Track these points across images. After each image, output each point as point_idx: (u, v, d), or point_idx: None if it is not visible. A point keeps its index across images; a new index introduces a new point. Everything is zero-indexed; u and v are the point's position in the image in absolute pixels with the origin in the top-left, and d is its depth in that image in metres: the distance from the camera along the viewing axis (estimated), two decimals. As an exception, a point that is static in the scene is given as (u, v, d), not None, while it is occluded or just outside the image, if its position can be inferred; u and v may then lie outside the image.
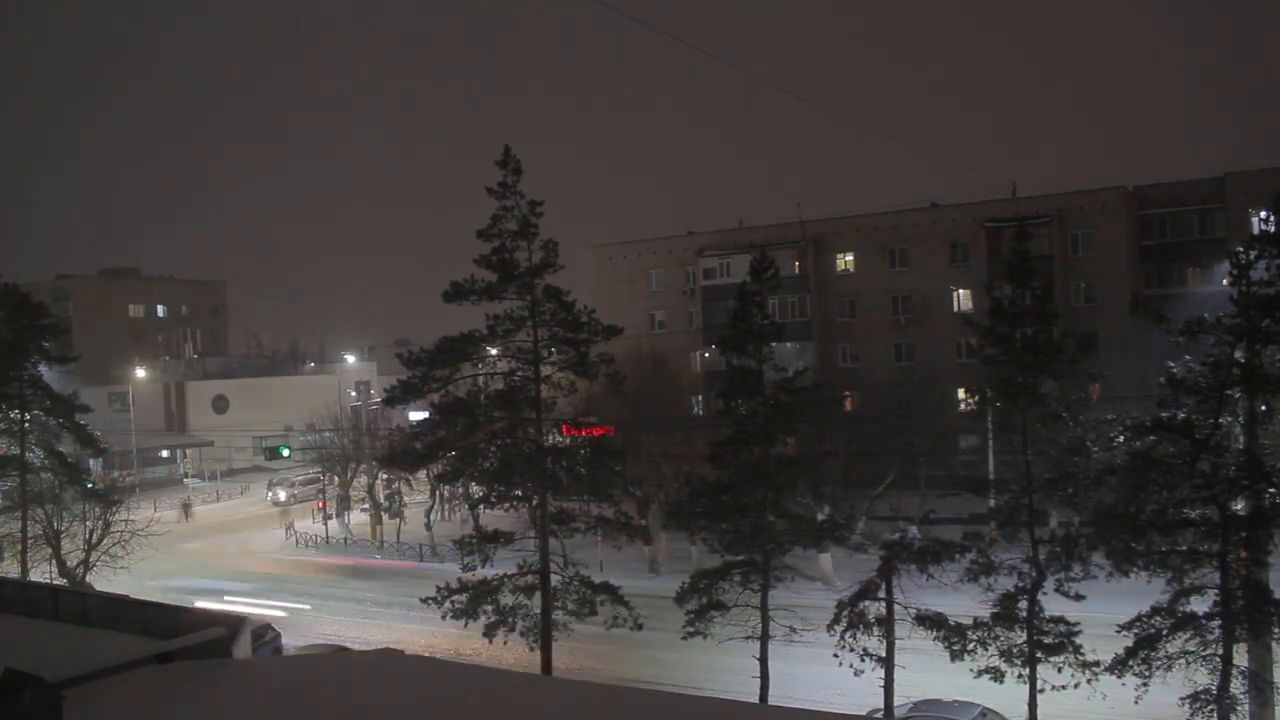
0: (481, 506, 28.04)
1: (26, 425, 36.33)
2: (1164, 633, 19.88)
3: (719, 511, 24.88)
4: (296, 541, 55.42)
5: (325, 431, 60.40)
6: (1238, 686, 19.65)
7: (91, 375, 79.89)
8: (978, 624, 21.72)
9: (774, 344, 25.44)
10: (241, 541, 57.14)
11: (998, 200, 57.88)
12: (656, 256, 67.28)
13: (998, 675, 21.26)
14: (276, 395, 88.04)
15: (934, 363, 55.37)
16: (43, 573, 35.90)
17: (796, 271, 60.55)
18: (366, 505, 56.72)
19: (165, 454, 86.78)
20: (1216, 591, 19.77)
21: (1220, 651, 19.67)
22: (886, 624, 22.57)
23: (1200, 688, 19.49)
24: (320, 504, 58.69)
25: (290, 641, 33.59)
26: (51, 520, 36.80)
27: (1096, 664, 20.62)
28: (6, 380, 35.53)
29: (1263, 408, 20.25)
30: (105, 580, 36.85)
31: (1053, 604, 21.70)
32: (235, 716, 16.07)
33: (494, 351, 27.54)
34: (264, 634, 31.19)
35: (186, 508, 65.15)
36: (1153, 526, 20.09)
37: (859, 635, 22.29)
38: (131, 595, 23.72)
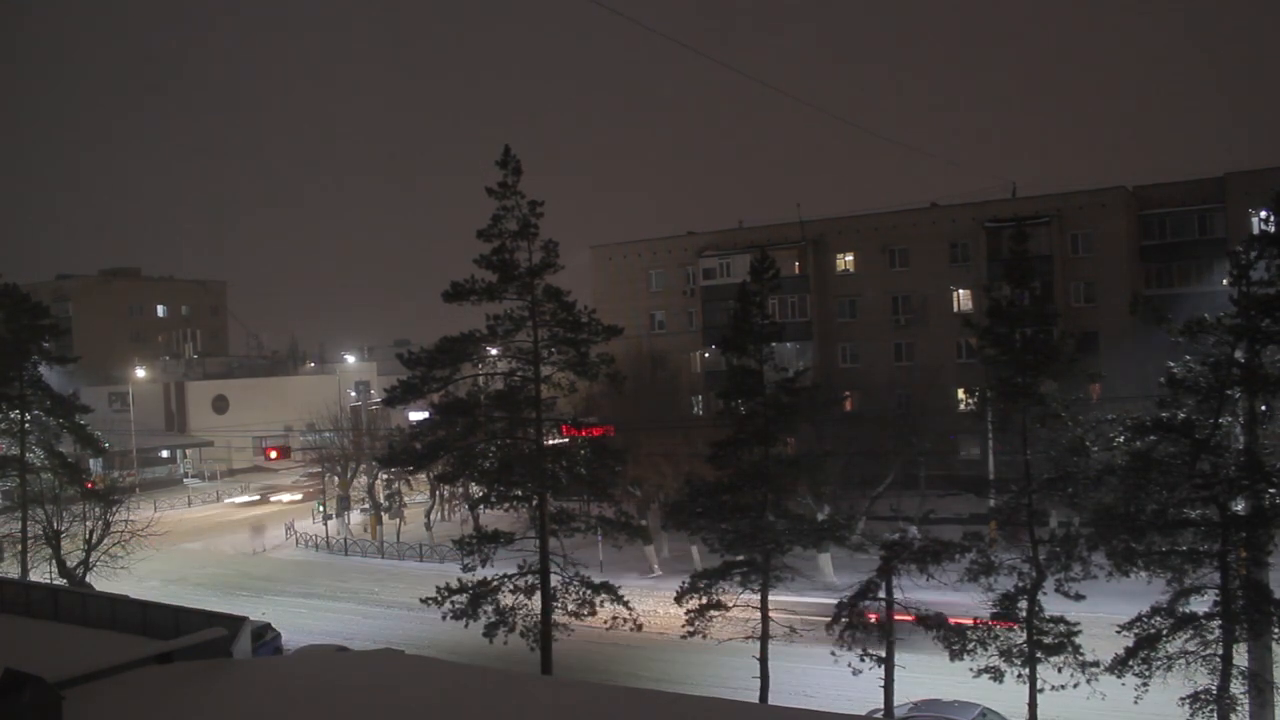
0: (481, 506, 28.04)
1: (26, 425, 36.32)
2: (1164, 633, 19.88)
3: (719, 511, 24.89)
4: (296, 542, 55.35)
5: (325, 432, 60.34)
6: (1238, 686, 19.65)
7: (91, 375, 79.84)
8: (978, 624, 21.73)
9: (774, 344, 25.47)
10: (239, 542, 57.03)
11: (998, 200, 57.87)
12: (656, 256, 67.26)
13: (998, 675, 21.27)
14: (276, 395, 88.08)
15: (934, 363, 55.25)
16: (43, 573, 35.87)
17: (796, 271, 60.51)
18: (366, 505, 56.70)
19: (165, 454, 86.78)
20: (1216, 591, 19.78)
21: (1220, 651, 19.68)
22: (886, 624, 22.57)
23: (1200, 688, 19.49)
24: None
25: (290, 641, 33.56)
26: (51, 520, 36.77)
27: (1096, 664, 20.63)
28: (6, 380, 35.51)
29: (1263, 408, 20.25)
30: (105, 580, 36.83)
31: (1053, 604, 21.69)
32: (235, 716, 16.08)
33: (494, 351, 27.55)
34: (264, 634, 31.17)
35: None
36: (1153, 526, 20.09)
37: (859, 635, 22.29)
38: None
